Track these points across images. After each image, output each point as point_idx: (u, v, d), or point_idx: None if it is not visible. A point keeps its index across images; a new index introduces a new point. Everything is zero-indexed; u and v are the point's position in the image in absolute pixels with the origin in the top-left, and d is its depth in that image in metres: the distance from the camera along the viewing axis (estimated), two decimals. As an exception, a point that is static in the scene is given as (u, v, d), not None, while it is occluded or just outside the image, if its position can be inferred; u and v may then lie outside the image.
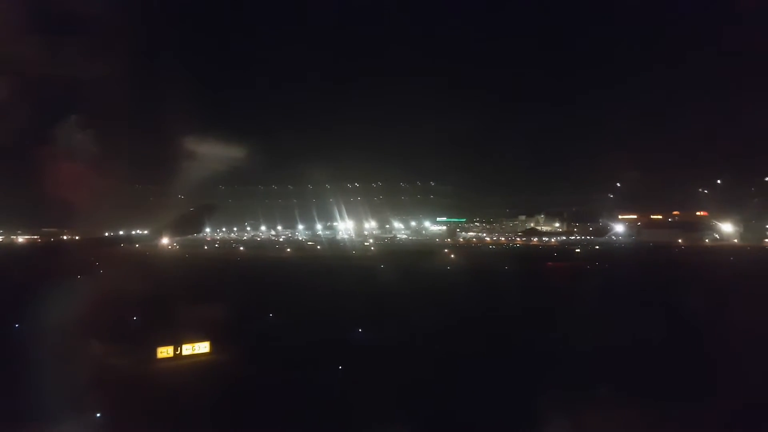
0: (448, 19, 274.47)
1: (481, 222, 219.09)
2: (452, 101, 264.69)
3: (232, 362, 28.96)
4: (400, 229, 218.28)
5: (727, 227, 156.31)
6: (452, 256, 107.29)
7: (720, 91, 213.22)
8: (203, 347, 29.44)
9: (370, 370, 26.54)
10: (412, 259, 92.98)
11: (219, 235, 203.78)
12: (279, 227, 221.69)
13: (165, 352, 28.49)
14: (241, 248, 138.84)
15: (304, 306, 42.78)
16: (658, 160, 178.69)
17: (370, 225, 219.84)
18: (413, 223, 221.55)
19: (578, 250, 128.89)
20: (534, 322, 38.66)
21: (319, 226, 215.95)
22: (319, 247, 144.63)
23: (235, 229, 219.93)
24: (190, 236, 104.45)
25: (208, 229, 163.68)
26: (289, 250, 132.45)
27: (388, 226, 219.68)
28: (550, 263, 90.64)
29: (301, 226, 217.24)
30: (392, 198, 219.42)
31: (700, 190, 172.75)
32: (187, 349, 28.97)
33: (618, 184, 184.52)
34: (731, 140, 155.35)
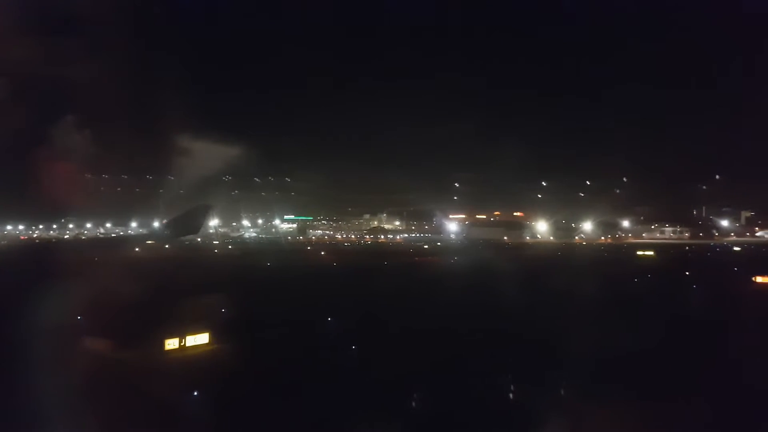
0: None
1: (328, 220, 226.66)
2: (318, 98, 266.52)
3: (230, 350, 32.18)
4: (248, 227, 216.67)
5: (542, 226, 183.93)
6: (322, 253, 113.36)
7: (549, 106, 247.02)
8: (204, 338, 32.18)
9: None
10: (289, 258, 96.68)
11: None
12: (108, 224, 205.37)
13: (171, 344, 30.78)
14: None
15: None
16: (484, 165, 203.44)
17: (215, 222, 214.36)
18: (260, 221, 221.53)
19: (426, 246, 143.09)
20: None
21: (156, 223, 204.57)
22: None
23: (70, 226, 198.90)
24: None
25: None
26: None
27: (235, 224, 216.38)
28: (417, 258, 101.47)
29: (134, 224, 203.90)
30: (246, 194, 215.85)
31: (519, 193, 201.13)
32: (191, 341, 31.52)
33: (455, 186, 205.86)
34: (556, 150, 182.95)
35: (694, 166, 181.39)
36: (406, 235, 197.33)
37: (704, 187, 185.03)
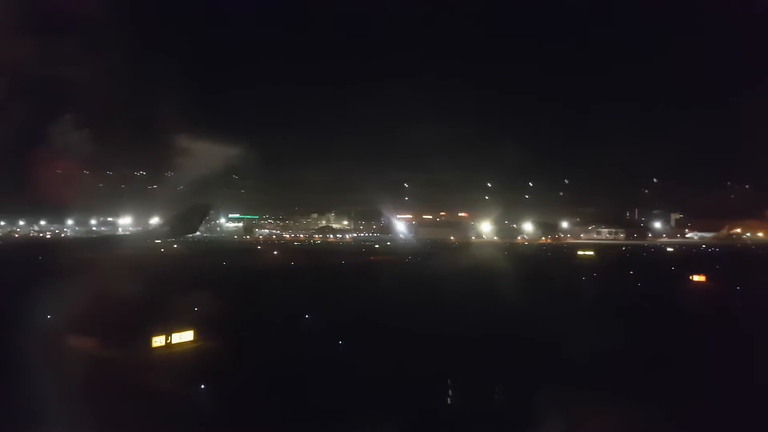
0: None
1: (275, 219, 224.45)
2: (265, 96, 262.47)
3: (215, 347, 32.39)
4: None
5: (486, 227, 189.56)
6: (275, 253, 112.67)
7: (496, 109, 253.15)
8: (189, 335, 32.20)
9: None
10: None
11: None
12: (42, 222, 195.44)
13: (158, 341, 30.70)
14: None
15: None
16: (431, 167, 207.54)
17: (156, 221, 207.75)
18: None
19: (378, 246, 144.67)
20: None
21: (93, 222, 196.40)
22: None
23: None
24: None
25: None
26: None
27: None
28: (372, 257, 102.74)
29: (70, 221, 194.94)
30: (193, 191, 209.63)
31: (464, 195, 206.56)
32: (176, 338, 31.49)
33: (403, 187, 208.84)
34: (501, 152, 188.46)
35: (632, 170, 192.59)
36: (355, 235, 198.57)
37: (645, 191, 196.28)
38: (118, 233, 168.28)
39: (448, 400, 25.96)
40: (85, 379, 23.40)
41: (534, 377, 25.95)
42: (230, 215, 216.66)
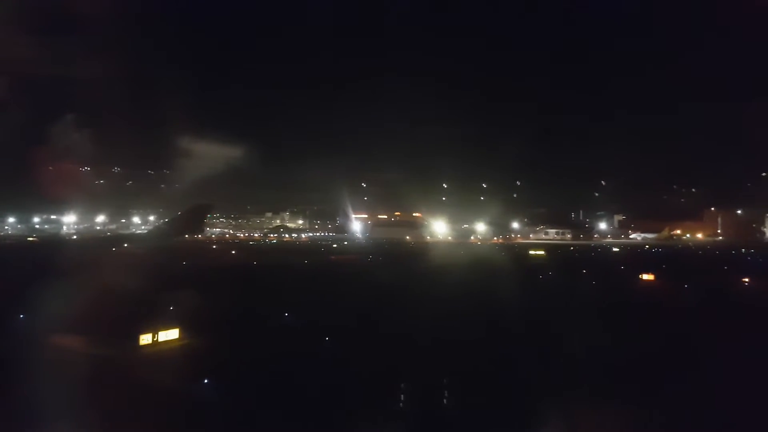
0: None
1: (227, 218, 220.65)
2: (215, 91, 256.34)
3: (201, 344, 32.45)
4: (138, 224, 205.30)
5: (440, 227, 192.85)
6: (233, 252, 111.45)
7: (448, 109, 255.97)
8: (174, 333, 32.13)
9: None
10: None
11: None
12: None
13: (145, 339, 30.54)
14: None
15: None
16: (386, 166, 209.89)
17: (102, 219, 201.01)
18: (152, 218, 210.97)
19: (336, 245, 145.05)
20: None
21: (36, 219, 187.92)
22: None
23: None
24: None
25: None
26: None
27: (124, 220, 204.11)
28: (334, 257, 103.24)
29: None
30: (138, 188, 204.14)
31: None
32: (163, 336, 31.40)
33: (359, 186, 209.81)
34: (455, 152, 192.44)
35: (579, 172, 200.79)
36: (311, 234, 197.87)
37: (593, 193, 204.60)
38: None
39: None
40: (74, 378, 23.32)
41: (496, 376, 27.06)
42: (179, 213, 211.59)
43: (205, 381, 25.14)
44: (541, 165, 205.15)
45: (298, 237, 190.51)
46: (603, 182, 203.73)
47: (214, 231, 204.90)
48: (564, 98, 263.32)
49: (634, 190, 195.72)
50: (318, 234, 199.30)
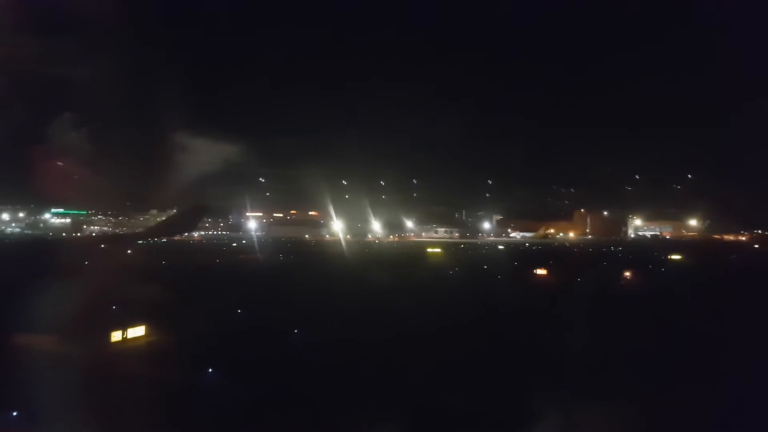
0: None
1: (107, 215, 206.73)
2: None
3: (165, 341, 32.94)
4: (8, 221, 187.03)
5: (337, 226, 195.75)
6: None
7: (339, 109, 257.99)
8: (141, 330, 32.35)
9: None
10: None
11: None
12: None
13: (116, 336, 30.59)
14: None
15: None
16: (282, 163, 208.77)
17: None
18: (23, 215, 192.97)
19: (235, 244, 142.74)
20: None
21: None
22: None
23: None
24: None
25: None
26: None
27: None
28: (242, 256, 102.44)
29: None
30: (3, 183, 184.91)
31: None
32: (131, 333, 31.56)
33: (256, 183, 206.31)
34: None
35: (466, 172, 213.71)
36: (203, 233, 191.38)
37: (487, 195, 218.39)
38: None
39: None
40: (51, 375, 23.56)
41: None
42: (53, 210, 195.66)
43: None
44: (435, 163, 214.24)
45: (189, 235, 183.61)
46: (490, 181, 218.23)
47: (92, 229, 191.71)
48: (454, 102, 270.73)
49: (512, 189, 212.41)
50: (210, 233, 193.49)
